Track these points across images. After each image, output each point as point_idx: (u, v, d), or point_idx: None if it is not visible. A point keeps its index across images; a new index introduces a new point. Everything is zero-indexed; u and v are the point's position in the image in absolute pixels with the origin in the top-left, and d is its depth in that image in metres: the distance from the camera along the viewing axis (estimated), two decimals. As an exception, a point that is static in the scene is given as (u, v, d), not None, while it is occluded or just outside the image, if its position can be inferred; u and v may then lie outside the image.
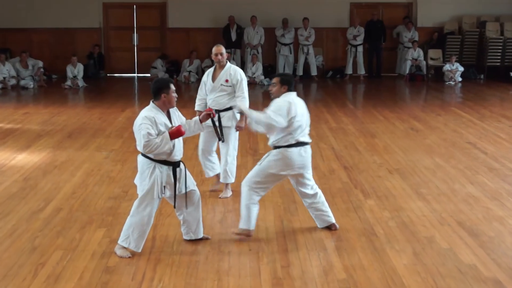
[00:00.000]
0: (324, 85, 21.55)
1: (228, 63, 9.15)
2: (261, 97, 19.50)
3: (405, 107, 17.11)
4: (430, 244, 7.36)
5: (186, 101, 17.68)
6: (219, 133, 8.73)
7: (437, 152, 11.71)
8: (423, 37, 23.18)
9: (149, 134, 6.88)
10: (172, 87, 7.16)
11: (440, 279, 6.44)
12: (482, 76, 22.69)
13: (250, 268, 6.76)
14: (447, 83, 21.55)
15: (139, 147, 6.98)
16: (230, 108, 8.95)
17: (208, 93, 9.15)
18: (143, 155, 7.06)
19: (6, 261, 6.92)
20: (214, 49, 9.05)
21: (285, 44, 22.44)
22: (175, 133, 6.97)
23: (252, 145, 12.29)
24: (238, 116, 9.03)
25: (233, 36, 22.35)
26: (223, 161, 9.19)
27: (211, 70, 9.24)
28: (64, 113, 15.89)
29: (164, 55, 22.81)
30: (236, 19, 22.38)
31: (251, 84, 21.01)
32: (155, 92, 7.10)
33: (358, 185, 9.68)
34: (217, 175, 9.44)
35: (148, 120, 6.95)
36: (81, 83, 20.79)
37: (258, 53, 22.23)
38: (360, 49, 22.83)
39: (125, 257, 7.01)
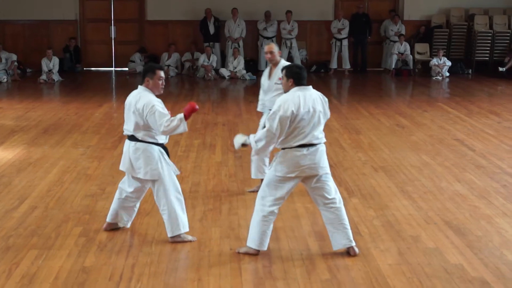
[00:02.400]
0: (308, 80, 21.40)
1: (282, 60, 9.06)
2: (242, 92, 19.55)
3: (391, 102, 17.19)
4: (416, 243, 7.43)
5: (165, 95, 17.69)
6: None
7: (423, 149, 11.79)
8: (410, 30, 23.27)
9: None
10: (159, 73, 7.31)
11: (426, 279, 6.50)
12: (470, 71, 22.81)
13: (231, 268, 6.79)
14: (434, 78, 21.65)
15: (158, 128, 7.12)
16: None
17: (266, 93, 9.10)
18: (139, 140, 7.26)
19: (-21, 261, 6.93)
20: (265, 48, 9.06)
21: (267, 38, 22.44)
22: (190, 111, 7.16)
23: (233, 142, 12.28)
24: None
25: (211, 29, 22.33)
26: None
27: (267, 69, 9.19)
28: (39, 108, 15.84)
29: (142, 49, 22.78)
30: (216, 12, 22.38)
31: (233, 78, 21.06)
32: (142, 75, 7.36)
33: (342, 182, 9.72)
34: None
35: (159, 102, 7.19)
36: (56, 77, 20.72)
37: (239, 46, 22.24)
38: (345, 42, 22.88)
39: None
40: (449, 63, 22.00)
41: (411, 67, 22.51)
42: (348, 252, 7.08)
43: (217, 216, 8.32)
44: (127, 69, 22.74)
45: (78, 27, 23.31)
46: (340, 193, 8.99)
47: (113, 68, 23.57)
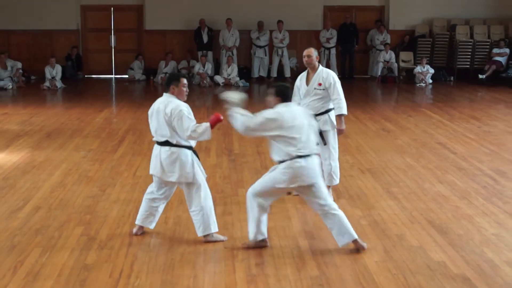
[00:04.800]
0: (298, 87, 21.58)
1: (320, 66, 8.92)
2: (236, 98, 19.53)
3: (377, 108, 17.21)
4: (401, 241, 7.44)
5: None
6: (320, 138, 8.53)
7: (408, 152, 11.81)
8: (395, 39, 23.31)
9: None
10: (183, 81, 7.41)
11: (410, 275, 6.51)
12: (452, 78, 22.85)
13: (225, 265, 6.80)
14: (418, 84, 21.69)
15: (184, 133, 7.18)
16: (325, 112, 8.80)
17: (302, 98, 8.92)
18: (173, 144, 7.29)
19: (-15, 259, 6.92)
20: (304, 51, 8.91)
21: (260, 47, 22.49)
22: (215, 121, 7.24)
23: (227, 145, 12.31)
24: (334, 119, 8.86)
25: (205, 38, 22.35)
26: (326, 165, 8.88)
27: (304, 74, 9.01)
28: (42, 114, 15.82)
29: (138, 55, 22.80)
30: (211, 22, 22.40)
31: (227, 85, 21.07)
32: (167, 83, 7.43)
33: (331, 184, 9.73)
34: None
35: (187, 107, 7.27)
36: (59, 84, 20.69)
37: (233, 55, 22.26)
38: (333, 51, 22.93)
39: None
40: (432, 71, 22.05)
41: (396, 75, 22.55)
42: (357, 249, 7.13)
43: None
44: (126, 76, 22.73)
45: (80, 36, 23.28)
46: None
47: (113, 76, 23.55)
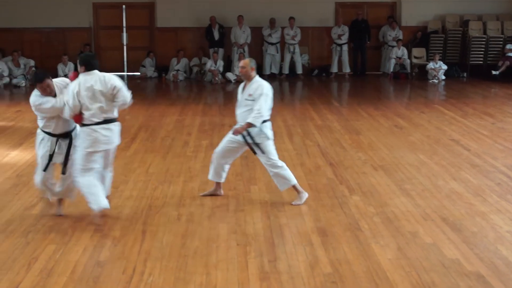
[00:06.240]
0: (310, 83, 21.60)
1: (257, 77, 8.71)
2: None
3: (390, 104, 17.16)
4: (414, 239, 7.41)
5: (175, 99, 17.72)
6: (252, 150, 8.65)
7: (421, 148, 11.78)
8: (407, 36, 23.25)
9: None
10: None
11: (424, 273, 6.49)
12: (465, 74, 22.79)
13: (238, 262, 6.79)
14: (430, 81, 21.64)
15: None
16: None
17: (237, 108, 8.79)
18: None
19: (0, 256, 6.94)
20: (240, 62, 8.86)
21: (271, 43, 22.48)
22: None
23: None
24: (267, 130, 8.62)
25: (216, 36, 22.35)
26: (272, 174, 8.77)
27: (242, 84, 8.87)
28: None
29: (150, 53, 22.83)
30: (223, 19, 22.40)
31: (238, 82, 21.02)
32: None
33: (344, 181, 9.72)
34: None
35: None
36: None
37: (244, 52, 22.25)
38: (345, 48, 22.90)
39: None
40: (445, 67, 21.98)
41: (409, 71, 22.50)
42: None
43: (224, 213, 8.32)
44: (138, 73, 22.76)
45: (92, 34, 23.33)
46: (341, 191, 9.20)
47: (125, 73, 23.56)
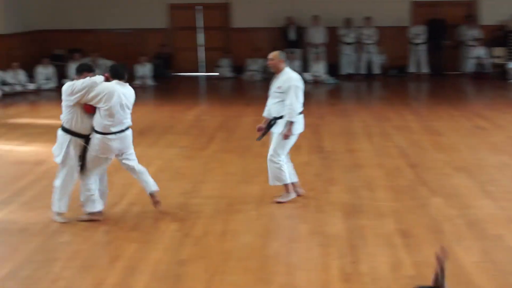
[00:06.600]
0: (387, 84, 21.37)
1: (286, 69, 8.78)
2: (324, 95, 19.49)
3: (470, 105, 16.84)
4: (499, 242, 7.26)
5: (251, 99, 17.76)
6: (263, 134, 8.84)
7: (503, 150, 11.51)
8: (487, 34, 22.80)
9: None
10: None
11: (510, 277, 6.35)
12: (546, 74, 22.25)
13: (319, 263, 6.77)
14: (510, 80, 21.17)
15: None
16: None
17: (268, 99, 8.88)
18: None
19: (84, 253, 7.08)
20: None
21: (348, 43, 22.34)
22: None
23: (318, 143, 12.24)
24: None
25: (293, 36, 22.32)
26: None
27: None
28: (134, 111, 15.90)
29: (226, 53, 22.96)
30: (298, 19, 22.34)
31: (315, 82, 20.98)
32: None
33: (424, 182, 9.58)
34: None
35: None
36: (149, 82, 21.03)
37: (321, 52, 22.16)
38: (422, 47, 22.58)
39: None
40: (526, 66, 21.49)
41: (488, 71, 22.07)
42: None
43: (304, 213, 8.30)
44: (215, 74, 22.90)
45: (169, 35, 23.58)
46: (422, 192, 9.02)
47: (201, 73, 23.77)
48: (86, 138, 8.04)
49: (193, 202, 8.78)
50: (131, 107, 8.31)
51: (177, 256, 6.96)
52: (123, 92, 8.08)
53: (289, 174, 8.84)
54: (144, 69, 21.16)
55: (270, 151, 8.70)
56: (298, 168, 10.39)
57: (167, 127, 13.99)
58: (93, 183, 8.12)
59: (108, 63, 21.53)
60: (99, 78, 8.05)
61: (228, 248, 7.19)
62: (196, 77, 23.36)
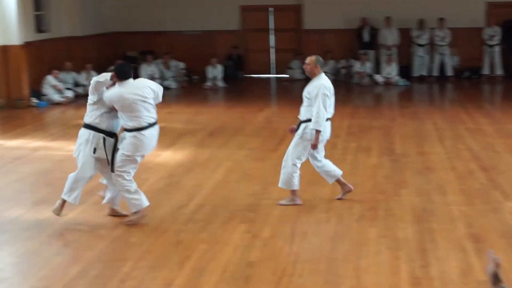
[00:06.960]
0: (460, 86, 21.04)
1: (321, 75, 8.57)
2: (396, 97, 19.31)
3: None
4: None
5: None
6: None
7: None
8: None
9: None
10: None
11: None
12: None
13: (389, 266, 6.71)
14: None
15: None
16: (308, 120, 8.54)
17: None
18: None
19: (153, 253, 7.17)
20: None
21: (420, 45, 22.09)
22: None
23: (389, 145, 12.13)
24: (309, 130, 8.56)
25: (366, 37, 22.18)
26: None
27: None
28: (205, 113, 16.23)
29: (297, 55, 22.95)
30: (370, 20, 22.21)
31: (387, 84, 20.81)
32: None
33: (498, 186, 9.40)
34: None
35: None
36: (220, 83, 21.17)
37: (393, 53, 21.97)
38: (497, 49, 22.17)
39: None
40: None
41: None
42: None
43: (373, 216, 8.24)
44: (286, 75, 22.91)
45: (240, 36, 23.70)
46: (496, 196, 8.87)
47: (272, 75, 23.81)
48: (109, 135, 8.15)
49: (262, 203, 8.81)
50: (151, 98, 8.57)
51: (245, 258, 6.98)
52: (128, 91, 8.01)
53: (331, 177, 8.94)
54: (215, 71, 21.31)
55: (288, 153, 8.74)
56: (367, 170, 10.37)
57: (237, 128, 14.07)
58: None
59: (181, 65, 21.82)
60: (102, 76, 8.14)
61: (296, 250, 7.19)
62: (267, 78, 23.41)
